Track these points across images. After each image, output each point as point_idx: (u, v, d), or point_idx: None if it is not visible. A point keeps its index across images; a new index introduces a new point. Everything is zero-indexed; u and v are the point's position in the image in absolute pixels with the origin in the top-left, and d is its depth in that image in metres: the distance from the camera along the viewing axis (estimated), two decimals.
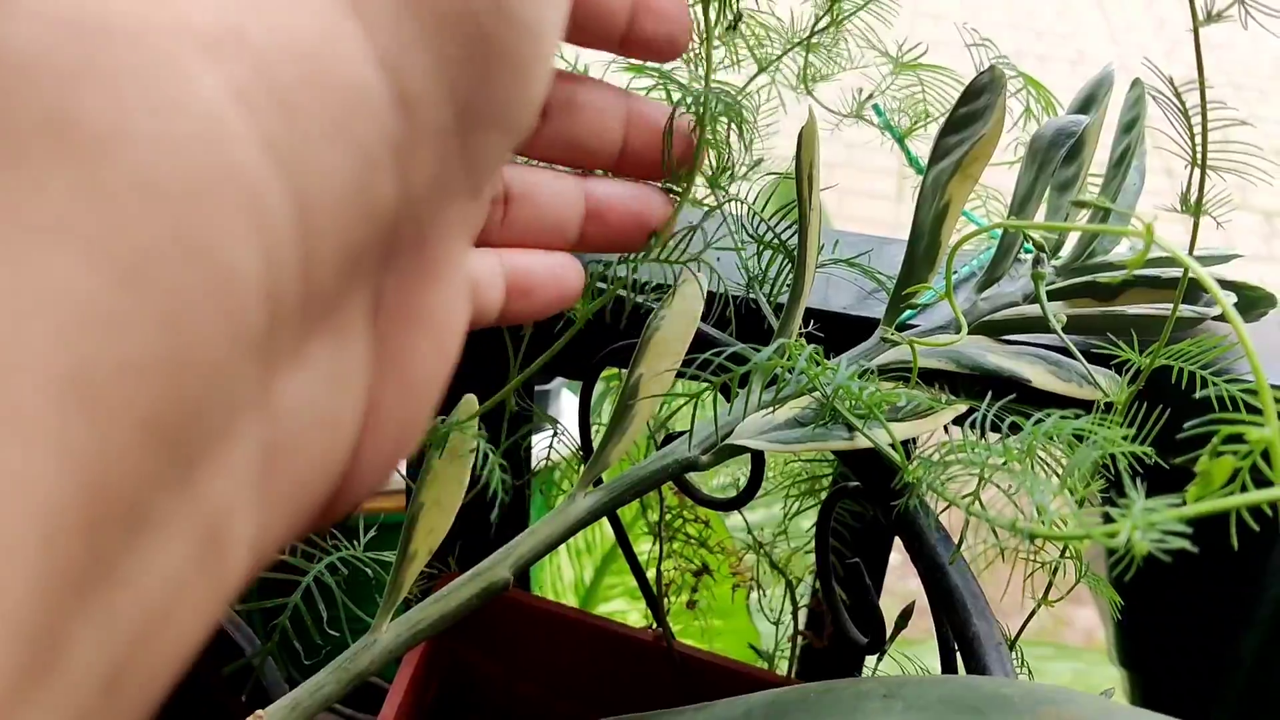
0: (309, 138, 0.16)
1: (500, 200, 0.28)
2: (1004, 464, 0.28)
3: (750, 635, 0.66)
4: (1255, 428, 0.23)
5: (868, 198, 2.62)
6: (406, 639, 0.34)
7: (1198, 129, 0.32)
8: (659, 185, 0.32)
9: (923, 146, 0.50)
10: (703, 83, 0.47)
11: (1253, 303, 0.45)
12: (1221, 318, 0.44)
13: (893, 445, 0.32)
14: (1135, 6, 3.83)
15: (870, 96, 0.54)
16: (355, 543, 0.41)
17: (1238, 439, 0.24)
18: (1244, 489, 0.24)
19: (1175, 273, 0.43)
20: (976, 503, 0.28)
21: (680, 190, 0.32)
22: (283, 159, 0.15)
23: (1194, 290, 0.42)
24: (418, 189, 0.19)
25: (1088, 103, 0.47)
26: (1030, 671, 0.38)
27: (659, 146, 0.31)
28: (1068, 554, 0.37)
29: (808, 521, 0.51)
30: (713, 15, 0.33)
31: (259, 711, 0.33)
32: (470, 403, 0.34)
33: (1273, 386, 0.22)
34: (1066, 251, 0.47)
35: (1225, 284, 0.44)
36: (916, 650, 0.51)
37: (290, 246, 0.16)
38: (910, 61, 0.53)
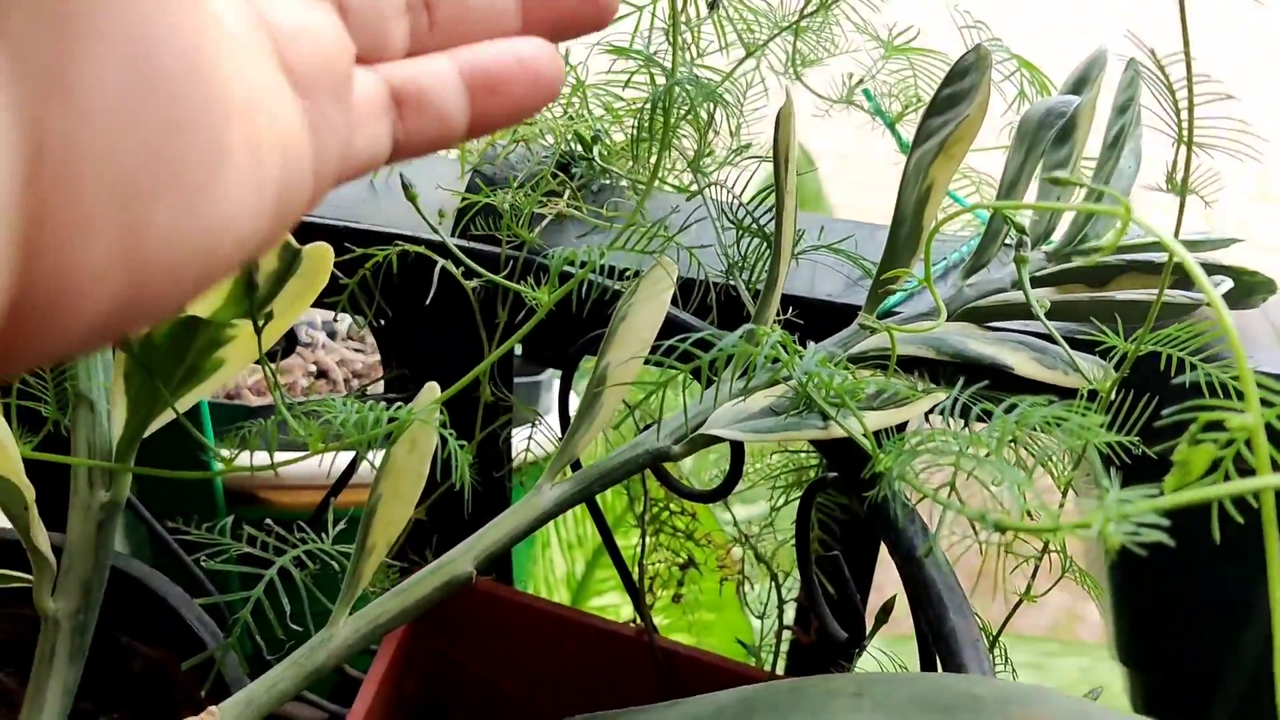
0: None
1: (420, 5, 0.26)
2: (971, 451, 0.27)
3: (742, 629, 0.65)
4: (1236, 414, 0.22)
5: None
6: (366, 633, 0.34)
7: (1184, 104, 0.31)
8: None
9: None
10: (690, 67, 0.45)
11: (1251, 288, 0.44)
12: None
13: (867, 434, 0.31)
14: None
15: (860, 82, 0.52)
16: (324, 535, 0.40)
17: (1219, 426, 0.22)
18: (1228, 479, 0.23)
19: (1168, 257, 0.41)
20: (945, 493, 0.27)
21: None
22: None
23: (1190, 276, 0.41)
24: None
25: (1080, 83, 0.45)
26: (1014, 669, 0.37)
27: None
28: (1051, 548, 0.36)
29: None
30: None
31: (212, 707, 0.32)
32: (431, 390, 0.33)
33: (1265, 374, 0.21)
34: (1059, 236, 0.45)
35: (1222, 268, 0.43)
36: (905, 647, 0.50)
37: None
38: (901, 45, 0.52)
